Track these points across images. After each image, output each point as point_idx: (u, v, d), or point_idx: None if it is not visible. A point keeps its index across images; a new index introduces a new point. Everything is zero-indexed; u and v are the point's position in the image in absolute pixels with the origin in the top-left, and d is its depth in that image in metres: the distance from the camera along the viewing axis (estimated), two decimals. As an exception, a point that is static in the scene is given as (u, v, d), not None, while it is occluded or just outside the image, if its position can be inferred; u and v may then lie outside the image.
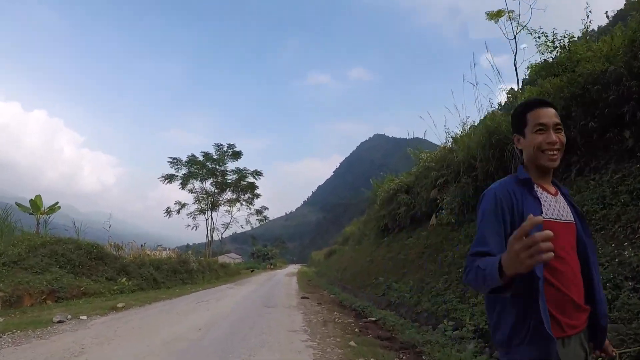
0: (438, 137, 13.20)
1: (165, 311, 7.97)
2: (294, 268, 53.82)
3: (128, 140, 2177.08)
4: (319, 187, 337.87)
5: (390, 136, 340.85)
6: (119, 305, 8.16)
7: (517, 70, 7.64)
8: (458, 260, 6.33)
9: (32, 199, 13.03)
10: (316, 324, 6.51)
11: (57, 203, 13.91)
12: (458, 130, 8.70)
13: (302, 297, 11.26)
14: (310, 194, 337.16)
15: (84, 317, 6.72)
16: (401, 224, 11.52)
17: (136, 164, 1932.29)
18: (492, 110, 7.57)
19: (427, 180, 9.26)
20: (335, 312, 8.09)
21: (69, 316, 6.58)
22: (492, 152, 6.30)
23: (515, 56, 7.72)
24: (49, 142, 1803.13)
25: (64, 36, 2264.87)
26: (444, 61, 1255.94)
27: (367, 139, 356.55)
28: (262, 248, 72.26)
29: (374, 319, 6.81)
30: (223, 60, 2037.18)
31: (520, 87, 7.64)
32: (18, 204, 13.07)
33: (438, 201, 8.34)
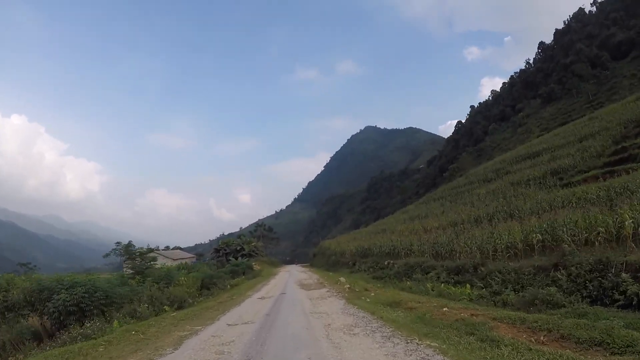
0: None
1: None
2: (301, 270, 34.27)
3: (112, 145, 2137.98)
4: (310, 183, 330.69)
5: (382, 127, 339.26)
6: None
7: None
8: None
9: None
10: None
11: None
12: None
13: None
14: (300, 190, 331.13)
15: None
16: None
17: (121, 170, 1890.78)
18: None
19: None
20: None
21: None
22: None
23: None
24: (29, 149, 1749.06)
25: (40, 34, 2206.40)
26: (431, 51, 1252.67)
27: (358, 131, 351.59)
28: (234, 241, 48.04)
29: None
30: (206, 55, 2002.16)
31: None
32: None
33: None
